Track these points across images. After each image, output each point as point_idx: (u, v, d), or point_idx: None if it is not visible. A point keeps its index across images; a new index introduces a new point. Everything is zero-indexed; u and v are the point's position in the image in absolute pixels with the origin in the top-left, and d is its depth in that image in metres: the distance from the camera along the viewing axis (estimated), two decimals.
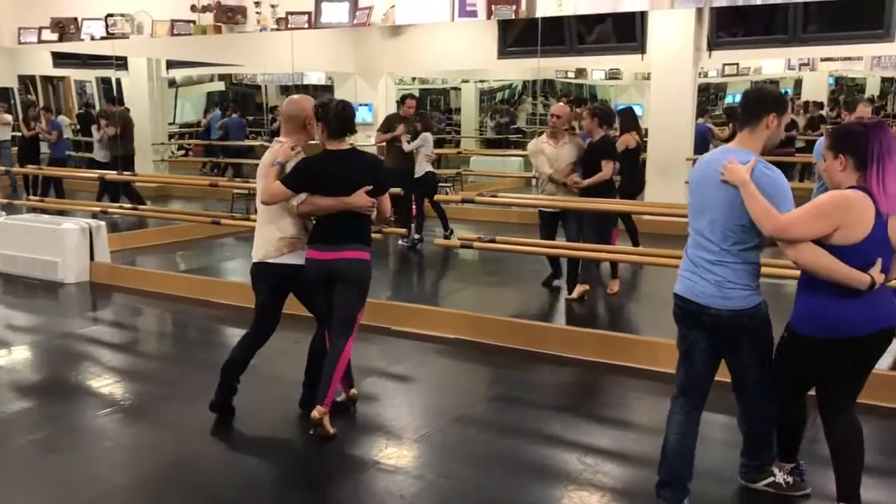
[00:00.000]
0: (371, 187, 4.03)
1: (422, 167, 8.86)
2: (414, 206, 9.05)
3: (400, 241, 9.05)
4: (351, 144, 4.23)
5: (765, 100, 3.15)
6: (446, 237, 8.84)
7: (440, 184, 12.52)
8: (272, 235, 4.16)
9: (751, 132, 3.13)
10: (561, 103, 7.78)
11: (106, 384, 5.00)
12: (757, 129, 3.11)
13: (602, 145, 6.55)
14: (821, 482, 3.46)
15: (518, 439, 4.14)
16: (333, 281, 4.06)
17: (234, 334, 6.17)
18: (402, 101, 9.34)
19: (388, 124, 9.12)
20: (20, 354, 5.68)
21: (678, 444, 3.28)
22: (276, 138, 4.34)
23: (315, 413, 3.98)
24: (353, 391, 4.48)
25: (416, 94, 18.06)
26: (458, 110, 18.00)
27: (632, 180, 8.05)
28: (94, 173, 10.02)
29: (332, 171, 4.02)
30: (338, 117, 4.01)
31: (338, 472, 3.77)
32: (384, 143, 9.13)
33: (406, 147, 8.85)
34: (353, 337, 4.13)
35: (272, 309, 4.32)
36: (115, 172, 9.13)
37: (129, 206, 8.84)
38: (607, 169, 6.46)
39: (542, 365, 5.28)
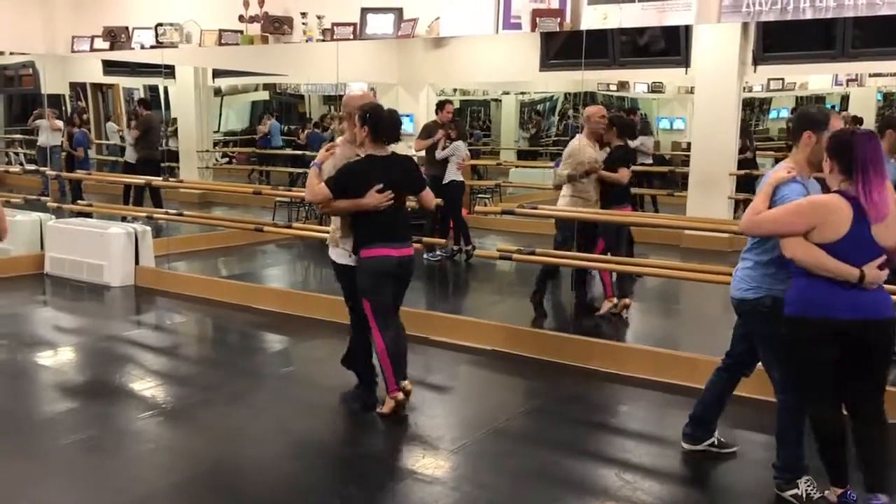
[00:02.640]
0: (381, 185, 4.20)
1: (449, 175, 8.86)
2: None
3: (438, 252, 9.06)
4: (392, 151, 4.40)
5: (803, 119, 3.51)
6: (467, 251, 8.88)
7: (480, 195, 12.56)
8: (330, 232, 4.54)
9: (796, 148, 3.50)
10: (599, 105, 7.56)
11: (148, 387, 5.09)
12: (798, 146, 3.46)
13: (614, 153, 6.51)
14: None
15: (555, 453, 4.12)
16: (402, 276, 4.41)
17: (275, 340, 6.26)
18: (440, 107, 9.26)
19: (428, 131, 9.16)
20: (66, 356, 5.82)
21: (712, 392, 3.93)
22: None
23: (402, 392, 4.38)
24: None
25: (457, 104, 18.20)
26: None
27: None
28: (141, 179, 10.17)
29: (371, 174, 4.19)
30: (385, 124, 4.22)
31: (375, 482, 3.79)
32: (424, 151, 9.17)
33: (438, 155, 8.89)
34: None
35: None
36: (159, 179, 9.27)
37: (175, 211, 8.97)
38: (622, 173, 6.41)
39: (580, 379, 5.25)
